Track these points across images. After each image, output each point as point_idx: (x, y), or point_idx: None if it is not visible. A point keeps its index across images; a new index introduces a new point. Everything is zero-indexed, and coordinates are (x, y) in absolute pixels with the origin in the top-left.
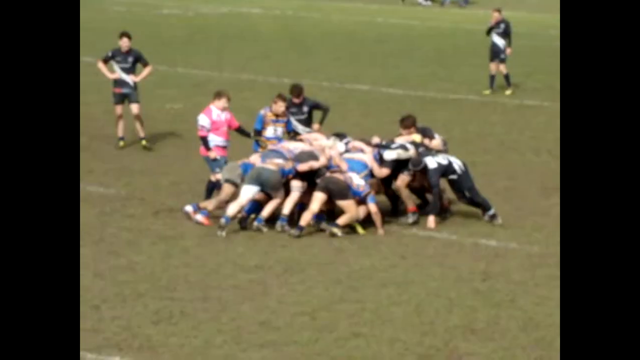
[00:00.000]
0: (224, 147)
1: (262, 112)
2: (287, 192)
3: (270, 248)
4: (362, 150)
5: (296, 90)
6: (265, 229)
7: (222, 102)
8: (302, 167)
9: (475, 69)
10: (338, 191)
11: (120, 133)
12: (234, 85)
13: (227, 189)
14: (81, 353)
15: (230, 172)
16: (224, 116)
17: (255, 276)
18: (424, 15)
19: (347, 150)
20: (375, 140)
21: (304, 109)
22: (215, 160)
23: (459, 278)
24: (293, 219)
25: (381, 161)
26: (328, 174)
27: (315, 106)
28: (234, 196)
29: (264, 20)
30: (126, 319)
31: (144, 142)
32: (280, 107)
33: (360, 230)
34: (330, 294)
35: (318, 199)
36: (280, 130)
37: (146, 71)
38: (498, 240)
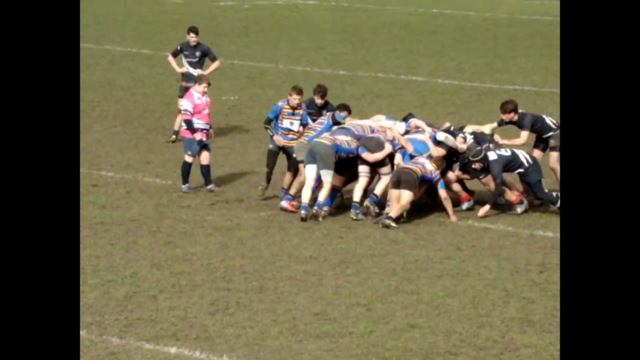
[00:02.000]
0: (205, 131)
1: (279, 103)
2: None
3: (325, 239)
4: (422, 131)
5: (321, 90)
6: (321, 218)
7: (202, 87)
8: (368, 157)
9: (532, 59)
10: (406, 181)
11: (176, 127)
12: (289, 77)
13: (303, 169)
14: (139, 343)
15: (302, 152)
16: (205, 99)
17: (310, 267)
18: (480, 6)
19: (407, 132)
20: (446, 125)
21: (324, 112)
22: (191, 142)
23: (515, 270)
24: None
25: (436, 142)
26: (402, 165)
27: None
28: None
29: (319, 12)
30: (183, 310)
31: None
32: (295, 99)
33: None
34: (385, 285)
35: (394, 198)
36: (296, 123)
37: (214, 66)
38: (554, 232)
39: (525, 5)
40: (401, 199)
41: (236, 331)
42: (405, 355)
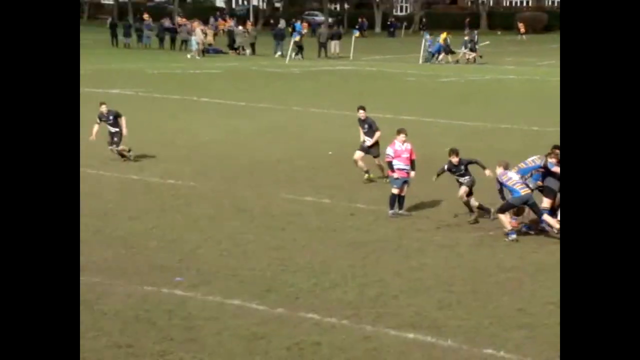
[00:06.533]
0: (405, 170)
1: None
2: None
3: (524, 254)
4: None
5: (454, 151)
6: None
7: (401, 137)
8: None
9: None
10: None
11: (365, 167)
12: (493, 132)
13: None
14: (386, 330)
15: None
16: (404, 147)
17: (512, 275)
18: None
19: None
20: None
21: (461, 167)
22: (396, 179)
23: None
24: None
25: None
26: None
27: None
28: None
29: (518, 84)
30: (418, 306)
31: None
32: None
33: None
34: None
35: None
36: None
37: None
38: None
39: None
40: None
41: (458, 322)
42: None
